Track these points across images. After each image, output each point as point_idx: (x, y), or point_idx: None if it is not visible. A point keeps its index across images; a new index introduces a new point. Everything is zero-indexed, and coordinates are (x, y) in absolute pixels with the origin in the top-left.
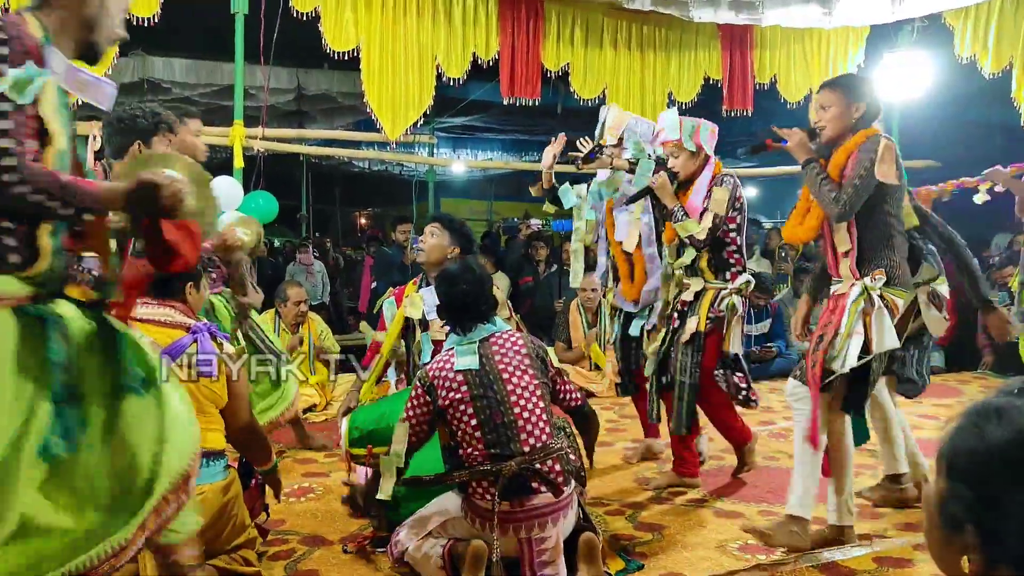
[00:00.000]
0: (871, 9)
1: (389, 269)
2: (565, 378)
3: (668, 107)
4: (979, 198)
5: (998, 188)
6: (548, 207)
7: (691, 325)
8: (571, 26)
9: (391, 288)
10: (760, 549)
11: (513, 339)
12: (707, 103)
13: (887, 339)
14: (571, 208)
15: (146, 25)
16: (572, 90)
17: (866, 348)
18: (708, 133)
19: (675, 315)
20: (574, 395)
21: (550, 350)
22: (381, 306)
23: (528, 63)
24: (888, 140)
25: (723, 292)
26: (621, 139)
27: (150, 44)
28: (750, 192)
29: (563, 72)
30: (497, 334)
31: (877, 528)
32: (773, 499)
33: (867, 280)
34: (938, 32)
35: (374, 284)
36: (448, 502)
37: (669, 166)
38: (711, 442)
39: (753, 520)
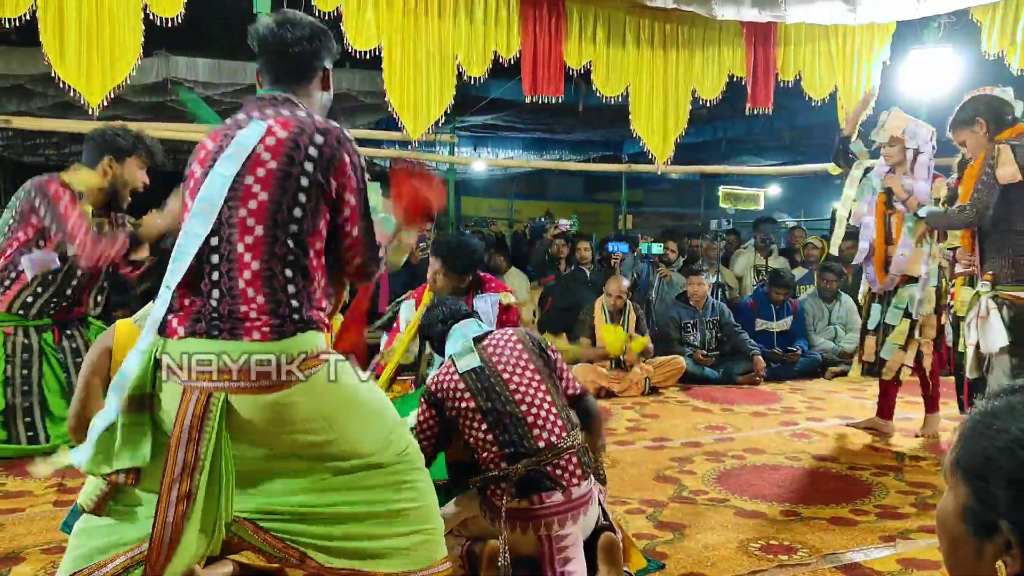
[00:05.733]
0: (897, 5)
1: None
2: (564, 364)
3: (692, 104)
4: None
5: None
6: (833, 167)
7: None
8: (593, 24)
9: (410, 291)
10: (782, 549)
11: (506, 336)
12: (731, 100)
13: (991, 340)
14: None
15: (170, 25)
16: (594, 88)
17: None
18: None
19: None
20: (574, 383)
21: (549, 337)
22: (396, 309)
23: (550, 61)
24: (1004, 144)
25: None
26: (900, 139)
27: (173, 44)
28: (774, 191)
29: (585, 70)
30: (490, 334)
31: (902, 528)
32: (796, 499)
33: (980, 286)
34: (965, 28)
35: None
36: (468, 500)
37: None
38: (733, 442)
39: (775, 519)
